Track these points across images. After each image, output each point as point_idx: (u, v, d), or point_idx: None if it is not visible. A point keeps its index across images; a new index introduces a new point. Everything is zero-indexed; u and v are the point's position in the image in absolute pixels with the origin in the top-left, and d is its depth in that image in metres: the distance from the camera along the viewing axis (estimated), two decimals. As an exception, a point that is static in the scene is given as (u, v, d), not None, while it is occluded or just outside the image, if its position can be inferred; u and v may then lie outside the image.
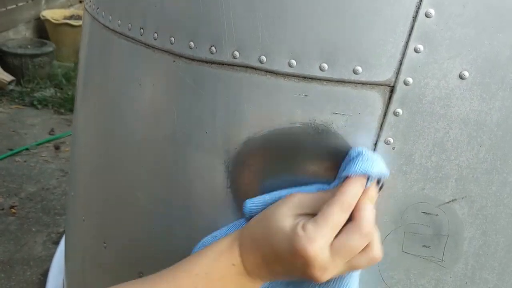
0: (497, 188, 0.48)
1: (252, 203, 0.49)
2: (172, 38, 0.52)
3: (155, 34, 0.54)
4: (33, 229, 2.04)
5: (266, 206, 0.48)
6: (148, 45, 0.55)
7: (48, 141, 2.68)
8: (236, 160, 0.52)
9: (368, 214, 0.42)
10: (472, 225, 0.49)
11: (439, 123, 0.46)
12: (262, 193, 0.51)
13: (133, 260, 0.65)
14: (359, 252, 0.43)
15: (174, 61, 0.53)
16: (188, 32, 0.51)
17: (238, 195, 0.53)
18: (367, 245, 0.43)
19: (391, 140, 0.47)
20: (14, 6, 3.45)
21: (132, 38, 0.57)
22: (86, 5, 0.71)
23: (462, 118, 0.45)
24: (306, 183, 0.48)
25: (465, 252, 0.50)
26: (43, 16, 3.61)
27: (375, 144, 0.47)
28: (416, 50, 0.44)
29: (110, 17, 0.61)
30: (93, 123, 0.70)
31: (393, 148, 0.47)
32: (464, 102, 0.45)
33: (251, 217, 0.49)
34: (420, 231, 0.50)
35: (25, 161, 2.49)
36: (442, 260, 0.51)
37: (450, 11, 0.42)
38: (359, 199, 0.43)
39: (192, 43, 0.51)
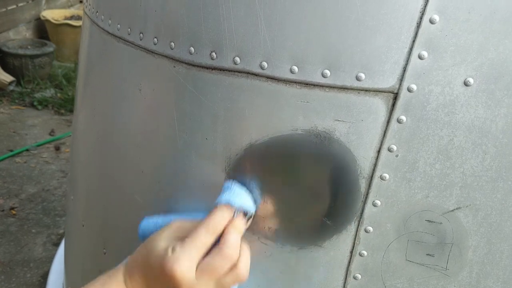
0: (502, 196, 0.47)
1: (147, 223, 0.53)
2: (172, 43, 0.52)
3: (155, 39, 0.53)
4: (33, 230, 2.04)
5: (157, 228, 0.51)
6: (148, 50, 0.54)
7: (49, 142, 2.67)
8: (237, 167, 0.52)
9: (231, 238, 0.46)
10: (477, 234, 0.48)
11: (443, 130, 0.45)
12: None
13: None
14: (226, 272, 0.46)
15: (174, 66, 0.52)
16: (188, 37, 0.50)
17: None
18: (234, 265, 0.46)
19: (395, 148, 0.46)
20: (14, 6, 3.44)
21: (132, 43, 0.56)
22: (85, 8, 0.71)
23: (466, 125, 0.45)
24: (199, 209, 0.52)
25: (470, 261, 0.50)
26: (44, 17, 3.60)
27: (378, 152, 0.47)
28: (420, 57, 0.43)
29: (110, 21, 0.60)
30: (92, 128, 0.69)
31: (397, 156, 0.46)
32: (468, 109, 0.44)
33: (142, 236, 0.52)
34: (424, 240, 0.49)
35: (25, 162, 2.48)
36: (446, 269, 0.50)
37: (455, 17, 0.42)
38: (226, 226, 0.47)
39: (192, 48, 0.50)
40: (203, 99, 0.51)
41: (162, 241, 0.47)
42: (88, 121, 0.70)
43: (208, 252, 0.46)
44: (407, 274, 0.51)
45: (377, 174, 0.47)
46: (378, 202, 0.48)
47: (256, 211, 0.51)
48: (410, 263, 0.50)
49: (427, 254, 0.50)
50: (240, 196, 0.49)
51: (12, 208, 2.13)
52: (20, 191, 2.25)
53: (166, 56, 0.52)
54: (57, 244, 1.90)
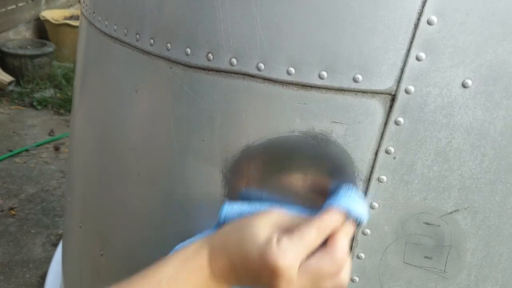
0: (500, 198, 0.47)
1: (230, 208, 0.49)
2: (169, 44, 0.51)
3: (152, 40, 0.53)
4: (33, 230, 2.04)
5: (242, 214, 0.48)
6: (145, 51, 0.54)
7: (48, 142, 2.67)
8: (233, 169, 0.51)
9: (343, 243, 0.43)
10: (475, 236, 0.48)
11: (441, 132, 0.45)
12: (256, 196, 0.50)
13: (130, 269, 0.64)
14: (329, 278, 0.43)
15: (171, 67, 0.52)
16: (184, 38, 0.50)
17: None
18: (336, 272, 0.43)
19: (392, 150, 0.46)
20: (14, 6, 3.44)
21: (128, 44, 0.56)
22: (82, 9, 0.70)
23: (465, 127, 0.44)
24: (289, 203, 0.49)
25: (468, 264, 0.49)
26: (43, 17, 3.60)
27: (376, 154, 0.46)
28: (418, 58, 0.43)
29: (106, 22, 0.60)
30: (89, 129, 0.69)
31: (394, 158, 0.46)
32: (467, 111, 0.44)
33: (224, 222, 0.49)
34: (422, 242, 0.49)
35: (24, 162, 2.48)
36: (444, 272, 0.49)
37: (453, 19, 0.41)
38: (337, 231, 0.44)
39: (188, 50, 0.50)
40: (199, 100, 0.51)
41: (262, 229, 0.44)
42: (85, 122, 0.70)
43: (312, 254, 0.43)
44: (405, 277, 0.50)
45: (375, 176, 0.47)
46: (375, 204, 0.48)
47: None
48: (408, 266, 0.50)
49: (425, 257, 0.49)
50: (357, 203, 0.45)
51: (11, 209, 2.13)
52: (19, 191, 2.25)
53: (162, 57, 0.52)
54: (56, 245, 1.90)
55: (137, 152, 0.59)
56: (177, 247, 0.51)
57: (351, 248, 0.50)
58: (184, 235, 0.57)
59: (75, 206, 0.77)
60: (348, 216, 0.44)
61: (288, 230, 0.43)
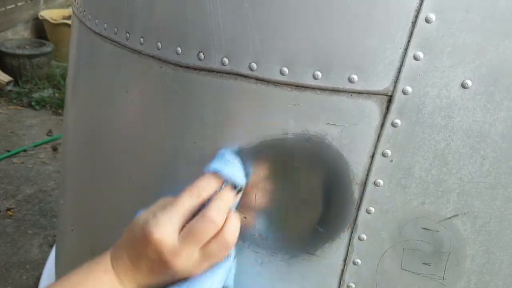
0: (501, 203, 0.45)
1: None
2: (159, 43, 0.50)
3: (142, 39, 0.51)
4: (30, 231, 2.02)
5: None
6: (134, 50, 0.52)
7: (46, 143, 2.66)
8: (226, 172, 0.50)
9: (217, 203, 0.43)
10: (475, 242, 0.47)
11: (440, 134, 0.43)
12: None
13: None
14: (211, 239, 0.43)
15: (161, 67, 0.50)
16: (175, 37, 0.48)
17: None
18: (219, 232, 0.43)
19: (389, 153, 0.44)
20: (13, 6, 3.43)
21: (118, 43, 0.54)
22: (74, 7, 0.69)
23: (464, 130, 0.43)
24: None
25: (468, 270, 0.48)
26: (42, 16, 3.59)
27: (372, 157, 0.45)
28: (415, 58, 0.41)
29: (97, 20, 0.58)
30: (80, 130, 0.67)
31: (391, 161, 0.45)
32: (466, 113, 0.42)
33: None
34: (420, 248, 0.47)
35: (22, 163, 2.47)
36: (443, 278, 0.48)
37: (452, 17, 0.40)
38: (212, 195, 0.44)
39: (179, 49, 0.48)
40: (191, 101, 0.49)
41: (145, 214, 0.45)
42: (76, 123, 0.69)
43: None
44: (402, 283, 0.49)
45: (371, 180, 0.45)
46: (372, 209, 0.46)
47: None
48: (405, 272, 0.48)
49: (423, 263, 0.48)
50: (231, 166, 0.45)
51: (8, 209, 2.12)
52: (17, 192, 2.24)
53: (152, 57, 0.51)
54: (53, 246, 1.89)
55: (127, 154, 0.57)
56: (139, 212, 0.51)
57: (350, 237, 0.48)
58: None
59: (67, 209, 0.75)
60: (223, 180, 0.44)
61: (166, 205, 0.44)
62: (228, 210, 0.44)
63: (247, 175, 0.47)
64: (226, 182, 0.45)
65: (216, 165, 0.45)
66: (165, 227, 0.42)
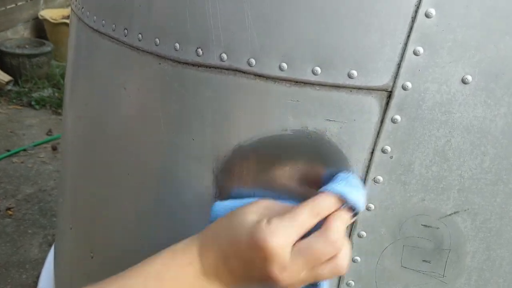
0: (502, 199, 0.45)
1: (221, 205, 0.48)
2: (157, 40, 0.49)
3: (140, 35, 0.51)
4: (30, 231, 2.02)
5: (233, 209, 0.45)
6: (133, 47, 0.52)
7: (46, 142, 2.65)
8: (225, 168, 0.49)
9: (338, 224, 0.40)
10: (475, 239, 0.46)
11: (440, 130, 0.43)
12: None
13: (120, 271, 0.62)
14: (325, 261, 0.40)
15: (160, 63, 0.50)
16: (173, 33, 0.48)
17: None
18: (334, 256, 0.41)
19: (389, 149, 0.44)
20: (13, 5, 3.42)
21: (116, 39, 0.54)
22: (72, 5, 0.68)
23: (464, 125, 0.42)
24: (283, 198, 0.46)
25: (468, 267, 0.47)
26: (42, 16, 3.58)
27: (372, 153, 0.44)
28: (415, 53, 0.41)
29: (95, 17, 0.58)
30: (79, 128, 0.67)
31: (391, 157, 0.44)
32: (467, 108, 0.42)
33: (215, 219, 0.46)
34: (420, 245, 0.47)
35: (22, 162, 2.47)
36: (443, 276, 0.48)
37: (452, 12, 0.39)
38: (332, 214, 0.41)
39: (177, 45, 0.48)
40: (189, 97, 0.49)
41: (251, 215, 0.42)
42: (75, 121, 0.68)
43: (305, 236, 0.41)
44: (402, 281, 0.48)
45: (371, 176, 0.45)
46: (371, 206, 0.46)
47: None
48: (405, 270, 0.48)
49: (423, 260, 0.47)
50: (356, 191, 0.42)
51: (8, 209, 2.12)
52: (16, 192, 2.24)
53: (151, 53, 0.50)
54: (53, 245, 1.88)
55: (126, 152, 0.57)
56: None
57: (349, 235, 0.47)
58: (175, 237, 0.55)
59: (66, 207, 0.75)
60: (344, 202, 0.42)
61: (278, 214, 0.41)
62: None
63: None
64: (347, 204, 0.42)
65: (341, 188, 0.42)
66: (282, 238, 0.39)
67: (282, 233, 0.39)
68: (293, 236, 0.40)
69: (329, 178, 0.45)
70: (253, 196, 0.48)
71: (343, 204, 0.42)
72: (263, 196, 0.47)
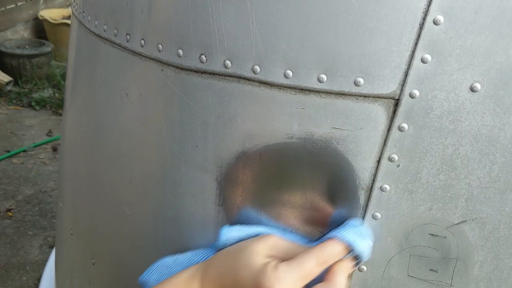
0: (510, 209, 0.44)
1: (228, 232, 0.47)
2: (160, 46, 0.49)
3: (142, 41, 0.50)
4: (30, 232, 2.01)
5: (240, 239, 0.46)
6: (135, 52, 0.51)
7: (46, 143, 2.64)
8: (228, 177, 0.49)
9: (342, 279, 0.42)
10: (483, 248, 0.46)
11: (448, 139, 0.42)
12: (253, 212, 0.47)
13: (121, 279, 0.62)
14: None
15: (162, 69, 0.49)
16: (176, 39, 0.47)
17: (231, 213, 0.50)
18: None
19: (396, 157, 0.43)
20: (13, 5, 3.41)
21: (118, 45, 0.53)
22: (73, 8, 0.68)
23: (473, 134, 0.42)
24: (287, 229, 0.47)
25: (476, 277, 0.47)
26: (41, 16, 3.58)
27: (378, 162, 0.44)
28: (423, 60, 0.40)
29: (96, 21, 0.57)
30: (79, 134, 0.66)
31: (398, 166, 0.44)
32: (475, 117, 0.41)
33: (222, 247, 0.47)
34: (427, 254, 0.46)
35: (22, 163, 2.46)
36: (450, 285, 0.47)
37: (461, 18, 0.39)
38: (336, 264, 0.42)
39: (180, 51, 0.47)
40: (192, 104, 0.48)
41: (257, 256, 0.42)
42: (75, 126, 0.67)
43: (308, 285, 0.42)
44: (409, 290, 0.48)
45: (377, 185, 0.44)
46: (378, 215, 0.45)
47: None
48: (412, 279, 0.47)
49: (430, 270, 0.47)
50: (364, 241, 0.43)
51: (8, 210, 2.11)
52: (16, 193, 2.23)
53: (153, 59, 0.50)
54: (53, 247, 1.88)
55: (127, 158, 0.56)
56: (164, 259, 0.49)
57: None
58: (176, 245, 0.54)
59: (66, 213, 0.74)
60: (350, 251, 0.42)
61: (285, 257, 0.42)
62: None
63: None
64: (352, 254, 0.43)
65: (350, 236, 0.43)
66: (287, 286, 0.39)
67: (288, 281, 0.39)
68: (299, 285, 0.40)
69: (337, 219, 0.45)
70: (259, 212, 0.48)
71: (349, 252, 0.43)
72: (268, 215, 0.46)
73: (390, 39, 0.40)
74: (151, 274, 0.50)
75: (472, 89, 0.40)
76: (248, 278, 0.41)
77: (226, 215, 0.50)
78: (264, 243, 0.43)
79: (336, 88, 0.42)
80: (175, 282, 0.44)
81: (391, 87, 0.41)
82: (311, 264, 0.41)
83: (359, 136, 0.43)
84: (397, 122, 0.42)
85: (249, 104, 0.45)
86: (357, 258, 0.43)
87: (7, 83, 3.10)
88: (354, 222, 0.45)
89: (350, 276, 0.48)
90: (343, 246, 0.42)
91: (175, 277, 0.45)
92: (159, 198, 0.55)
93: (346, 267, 0.42)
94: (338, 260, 0.42)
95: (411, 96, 0.41)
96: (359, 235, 0.43)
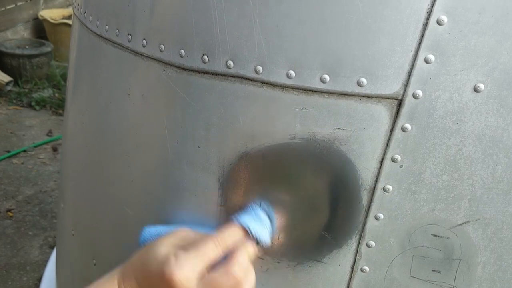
0: (514, 209, 0.44)
1: (147, 235, 0.50)
2: (162, 46, 0.48)
3: (144, 41, 0.50)
4: (30, 232, 2.01)
5: (158, 236, 0.49)
6: (137, 53, 0.51)
7: (46, 143, 2.64)
8: (231, 177, 0.49)
9: (241, 259, 0.44)
10: (487, 249, 0.45)
11: (451, 139, 0.42)
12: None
13: (123, 279, 0.61)
14: None
15: (164, 70, 0.49)
16: (178, 40, 0.47)
17: (233, 213, 0.50)
18: (237, 287, 0.44)
19: (399, 158, 0.43)
20: (13, 5, 3.41)
21: (120, 45, 0.53)
22: (74, 8, 0.68)
23: (476, 134, 0.42)
24: (202, 223, 0.50)
25: (479, 278, 0.46)
26: (42, 16, 3.57)
27: (381, 162, 0.44)
28: (426, 61, 0.40)
29: (98, 22, 0.57)
30: (81, 134, 0.66)
31: (401, 166, 0.43)
32: (479, 117, 0.41)
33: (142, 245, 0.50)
34: (430, 255, 0.46)
35: (22, 163, 2.46)
36: (453, 286, 0.47)
37: (464, 18, 0.38)
38: (238, 246, 0.45)
39: (183, 51, 0.47)
40: (194, 105, 0.48)
41: (164, 247, 0.45)
42: (77, 126, 0.67)
43: (212, 267, 0.44)
44: (411, 291, 0.48)
45: (380, 185, 0.44)
46: (380, 215, 0.45)
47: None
48: (415, 280, 0.47)
49: (433, 270, 0.47)
50: (260, 224, 0.47)
51: (8, 210, 2.11)
52: (17, 193, 2.23)
53: (155, 59, 0.49)
54: (54, 247, 1.87)
55: (129, 159, 0.56)
56: (149, 229, 0.51)
57: (357, 244, 0.48)
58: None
59: (68, 213, 0.74)
60: (249, 234, 0.45)
61: (189, 246, 0.44)
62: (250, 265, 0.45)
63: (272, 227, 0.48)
64: (251, 237, 0.46)
65: (245, 219, 0.46)
66: (187, 272, 0.42)
67: (187, 266, 0.42)
68: (198, 269, 0.43)
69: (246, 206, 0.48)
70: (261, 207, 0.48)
71: (248, 236, 0.46)
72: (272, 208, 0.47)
73: (394, 39, 0.40)
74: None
75: (476, 90, 0.40)
76: (155, 267, 0.43)
77: (228, 215, 0.50)
78: (173, 236, 0.46)
79: (339, 89, 0.42)
80: (98, 282, 0.47)
81: (394, 88, 0.41)
82: (209, 247, 0.43)
83: (362, 137, 0.43)
84: (400, 122, 0.42)
85: (251, 104, 0.45)
86: (257, 241, 0.46)
87: (7, 83, 3.10)
88: (252, 205, 0.48)
89: (359, 252, 0.48)
90: (239, 228, 0.46)
91: (98, 280, 0.47)
92: (161, 198, 0.54)
93: (246, 249, 0.45)
94: (240, 243, 0.45)
95: (415, 96, 0.41)
96: (254, 218, 0.46)
